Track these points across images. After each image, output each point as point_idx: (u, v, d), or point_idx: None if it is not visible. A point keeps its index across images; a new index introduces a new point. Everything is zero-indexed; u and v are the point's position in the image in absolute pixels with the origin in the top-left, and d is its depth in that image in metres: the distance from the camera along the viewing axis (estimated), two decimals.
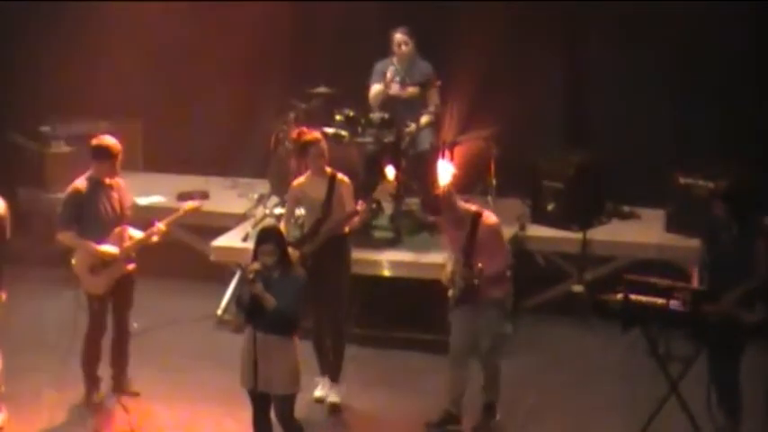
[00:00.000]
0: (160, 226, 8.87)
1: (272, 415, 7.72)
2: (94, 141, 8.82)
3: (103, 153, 8.70)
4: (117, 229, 8.75)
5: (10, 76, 12.42)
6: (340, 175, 8.97)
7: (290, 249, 8.53)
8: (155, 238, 8.88)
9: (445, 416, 8.51)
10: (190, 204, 9.18)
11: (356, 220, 8.95)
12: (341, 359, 9.03)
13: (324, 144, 8.95)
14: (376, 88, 10.62)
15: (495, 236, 8.43)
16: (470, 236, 8.32)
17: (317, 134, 9.09)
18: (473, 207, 8.53)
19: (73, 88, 12.22)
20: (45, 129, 12.06)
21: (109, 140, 8.78)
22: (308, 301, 7.99)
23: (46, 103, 12.30)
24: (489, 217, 8.46)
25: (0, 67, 12.44)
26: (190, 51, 11.98)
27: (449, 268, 8.52)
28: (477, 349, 8.48)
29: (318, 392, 9.03)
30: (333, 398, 9.00)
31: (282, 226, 8.94)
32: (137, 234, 8.87)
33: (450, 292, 8.48)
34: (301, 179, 9.08)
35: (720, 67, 10.89)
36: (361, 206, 8.86)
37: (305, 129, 9.34)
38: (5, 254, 8.32)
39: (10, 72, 12.41)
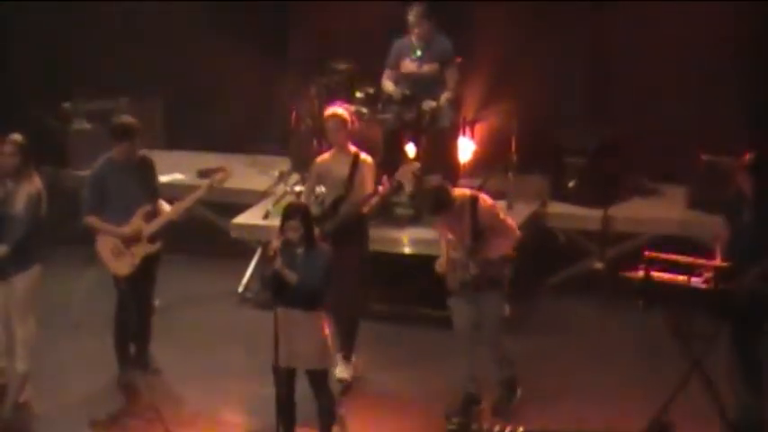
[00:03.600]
0: (177, 205, 8.85)
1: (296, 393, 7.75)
2: (114, 121, 8.85)
3: (122, 133, 8.71)
4: (143, 209, 8.76)
5: (31, 53, 12.44)
6: (363, 155, 8.98)
7: None
8: (177, 217, 8.88)
9: (465, 398, 8.47)
10: (211, 179, 9.11)
11: (376, 199, 8.94)
12: (353, 339, 9.02)
13: (341, 118, 8.93)
14: (387, 86, 10.57)
15: (497, 216, 8.25)
16: (472, 221, 8.11)
17: (335, 109, 9.08)
18: (466, 191, 8.35)
19: (94, 65, 12.24)
20: (66, 105, 12.09)
21: (127, 120, 8.79)
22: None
23: (67, 80, 12.32)
24: (485, 199, 8.28)
25: (21, 44, 12.47)
26: (210, 27, 11.96)
27: (445, 258, 8.31)
28: (479, 330, 8.36)
29: (338, 373, 9.03)
30: (341, 373, 8.92)
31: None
32: (167, 208, 8.89)
33: (449, 280, 8.34)
34: (325, 156, 9.09)
35: (749, 40, 10.80)
36: (383, 185, 8.84)
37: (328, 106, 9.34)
38: (40, 230, 8.40)
39: (31, 49, 12.43)
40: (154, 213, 8.81)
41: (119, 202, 8.69)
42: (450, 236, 8.31)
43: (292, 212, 7.56)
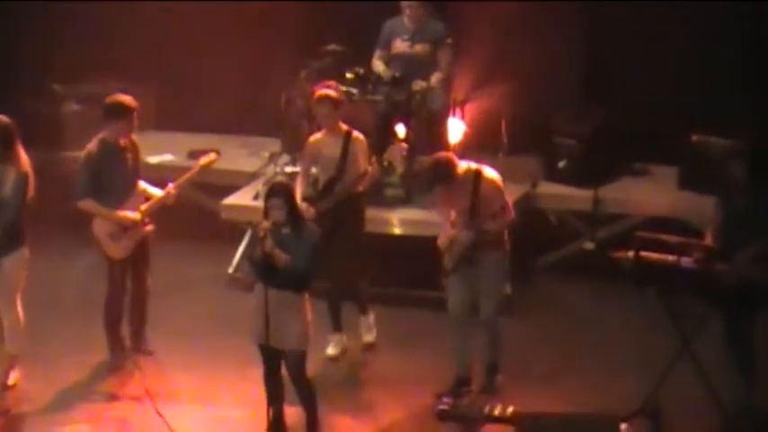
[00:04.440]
0: (171, 188, 8.85)
1: (284, 373, 7.75)
2: (108, 99, 8.75)
3: (118, 111, 8.63)
4: (138, 193, 8.74)
5: (22, 36, 12.38)
6: (355, 133, 8.96)
7: (305, 206, 8.57)
8: (170, 200, 8.87)
9: (456, 380, 8.47)
10: (203, 160, 9.12)
11: (366, 180, 8.93)
12: (364, 301, 9.22)
13: (332, 100, 8.90)
14: (378, 66, 10.54)
15: (498, 190, 8.25)
16: (474, 194, 8.14)
17: (324, 91, 9.04)
18: (472, 165, 8.34)
19: (85, 48, 12.19)
20: (57, 88, 12.05)
21: (123, 98, 8.71)
22: (322, 259, 8.02)
23: (58, 63, 12.27)
24: (490, 171, 8.29)
25: (12, 27, 12.42)
26: (202, 10, 11.92)
27: (444, 235, 8.31)
28: (478, 311, 8.35)
29: (331, 350, 9.06)
30: (367, 337, 9.19)
31: (298, 183, 8.95)
32: (153, 190, 8.86)
33: (446, 259, 8.34)
34: (317, 136, 9.07)
35: (742, 23, 10.77)
36: (372, 165, 8.83)
37: (316, 87, 9.31)
38: (27, 212, 8.36)
39: (22, 31, 12.38)
40: (145, 196, 8.81)
41: (113, 185, 8.64)
42: (453, 213, 8.29)
43: (275, 191, 7.54)
